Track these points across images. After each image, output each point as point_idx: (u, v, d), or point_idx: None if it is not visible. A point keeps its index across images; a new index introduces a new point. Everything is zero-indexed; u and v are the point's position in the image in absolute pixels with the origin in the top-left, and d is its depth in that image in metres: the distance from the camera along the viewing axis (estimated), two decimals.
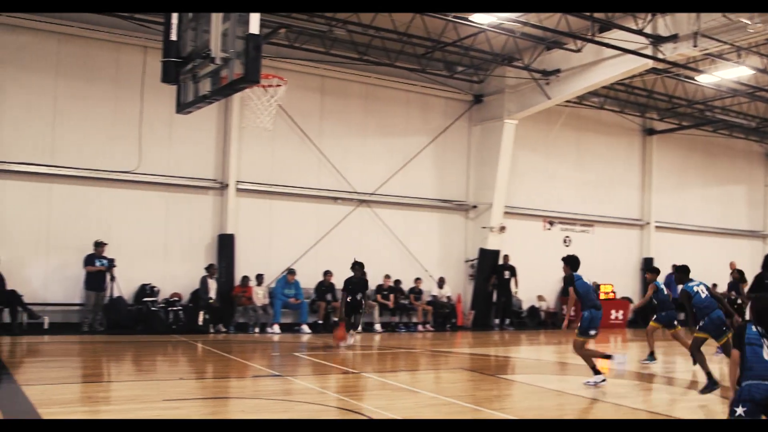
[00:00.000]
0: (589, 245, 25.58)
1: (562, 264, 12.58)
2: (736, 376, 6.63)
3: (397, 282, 21.54)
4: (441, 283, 22.26)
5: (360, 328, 19.60)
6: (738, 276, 18.95)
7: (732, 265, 23.53)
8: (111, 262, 17.71)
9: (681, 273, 12.70)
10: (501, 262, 22.85)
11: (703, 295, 11.75)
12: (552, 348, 19.27)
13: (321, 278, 20.20)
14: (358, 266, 16.61)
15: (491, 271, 22.79)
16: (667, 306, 15.31)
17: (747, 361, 6.56)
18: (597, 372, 12.04)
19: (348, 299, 16.42)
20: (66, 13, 17.38)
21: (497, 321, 22.89)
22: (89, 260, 17.55)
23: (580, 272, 12.46)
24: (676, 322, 15.28)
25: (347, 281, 16.60)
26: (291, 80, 16.48)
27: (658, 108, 25.95)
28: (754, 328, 6.71)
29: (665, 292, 15.46)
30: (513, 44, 20.20)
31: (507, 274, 22.70)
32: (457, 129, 23.47)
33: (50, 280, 17.77)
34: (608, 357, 12.76)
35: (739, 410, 6.42)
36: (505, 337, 21.22)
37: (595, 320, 12.09)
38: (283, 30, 17.86)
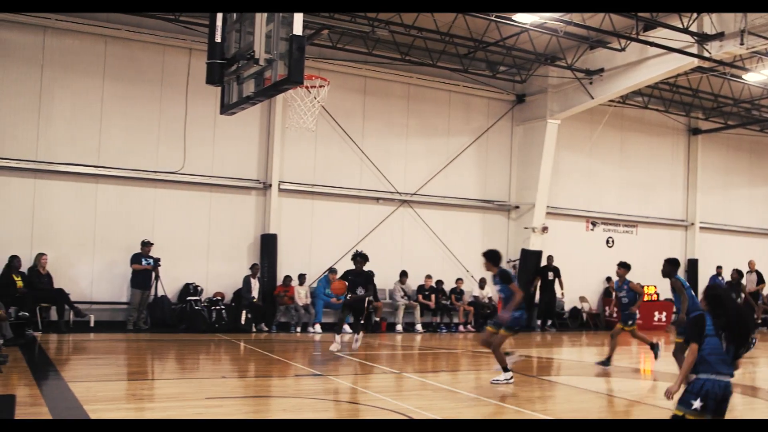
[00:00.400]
0: (632, 246, 25.34)
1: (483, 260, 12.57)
2: (690, 368, 6.54)
3: (439, 282, 21.53)
4: (482, 283, 22.18)
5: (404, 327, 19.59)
6: (737, 276, 18.46)
7: (751, 264, 23.13)
8: (156, 261, 17.95)
9: (672, 266, 12.53)
10: (545, 263, 22.71)
11: (693, 293, 11.89)
12: (594, 349, 19.12)
13: None
14: (360, 258, 14.82)
15: (535, 273, 22.64)
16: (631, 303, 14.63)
17: (703, 353, 6.52)
18: (506, 369, 12.05)
19: (348, 296, 14.92)
20: (112, 16, 17.67)
21: (539, 322, 22.73)
22: (136, 259, 17.81)
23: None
24: (630, 322, 14.50)
25: (345, 274, 15.12)
26: (333, 81, 16.55)
27: (703, 107, 25.62)
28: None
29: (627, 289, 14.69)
30: (556, 43, 20.07)
31: (551, 275, 22.55)
32: (500, 129, 23.39)
33: (96, 279, 18.06)
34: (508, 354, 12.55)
35: (696, 404, 6.45)
36: (547, 338, 21.10)
37: (521, 320, 12.36)
38: (325, 31, 17.94)
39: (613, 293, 15.35)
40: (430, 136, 22.30)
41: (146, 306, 18.03)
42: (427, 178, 22.03)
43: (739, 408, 10.98)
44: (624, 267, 14.79)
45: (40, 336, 15.63)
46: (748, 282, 24.11)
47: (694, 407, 6.48)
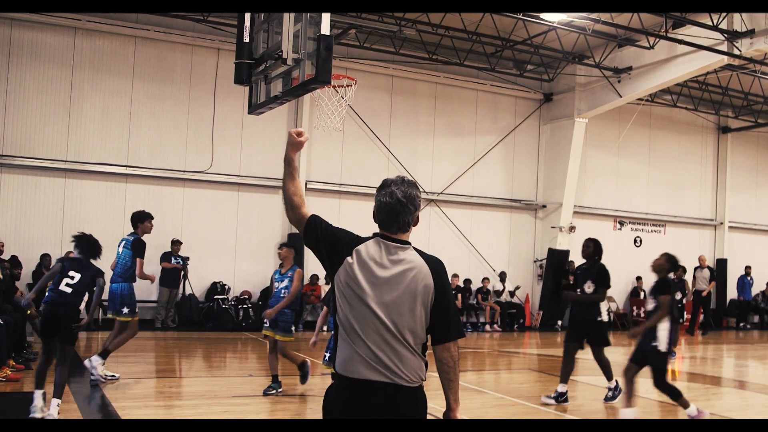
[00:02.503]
0: (660, 246, 25.06)
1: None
2: (321, 326, 8.76)
3: (467, 281, 21.51)
4: (503, 278, 22.08)
5: None
6: (682, 273, 17.73)
7: (702, 259, 22.11)
8: (185, 260, 18.09)
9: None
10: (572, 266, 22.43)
11: None
12: (620, 350, 19.01)
13: None
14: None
15: (557, 274, 22.28)
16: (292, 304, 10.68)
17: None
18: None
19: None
20: (142, 17, 17.85)
21: (560, 322, 22.35)
22: (165, 257, 17.95)
23: None
24: (293, 329, 10.92)
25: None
26: (361, 80, 16.59)
27: (733, 105, 25.38)
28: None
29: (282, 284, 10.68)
30: (584, 42, 19.98)
31: (572, 278, 22.25)
32: (527, 128, 23.31)
33: None
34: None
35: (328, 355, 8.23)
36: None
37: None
38: (353, 30, 17.99)
39: (273, 284, 11.05)
40: (457, 135, 22.27)
41: (174, 304, 18.18)
42: (453, 178, 22.01)
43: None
44: (289, 247, 11.06)
45: None
46: (699, 279, 22.52)
47: (326, 358, 8.38)
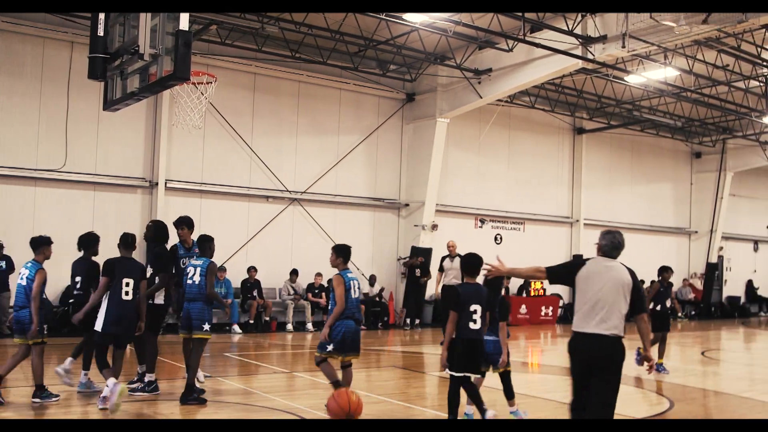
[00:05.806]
0: (520, 243, 25.89)
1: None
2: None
3: (330, 281, 21.47)
4: (372, 280, 22.16)
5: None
6: (668, 275, 17.68)
7: (451, 246, 20.23)
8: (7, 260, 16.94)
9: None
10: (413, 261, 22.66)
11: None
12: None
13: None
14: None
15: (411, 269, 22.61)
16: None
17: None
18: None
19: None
20: None
21: (407, 321, 22.41)
22: None
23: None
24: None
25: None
26: (222, 78, 16.30)
27: (587, 107, 26.34)
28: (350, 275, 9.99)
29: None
30: (445, 43, 20.27)
31: (418, 272, 22.42)
32: (390, 127, 23.48)
33: None
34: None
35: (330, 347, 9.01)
36: (439, 335, 21.27)
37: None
38: (214, 27, 17.64)
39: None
40: (321, 134, 22.21)
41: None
42: (317, 177, 21.93)
43: None
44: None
45: None
46: (448, 271, 18.24)
47: (328, 350, 9.01)
